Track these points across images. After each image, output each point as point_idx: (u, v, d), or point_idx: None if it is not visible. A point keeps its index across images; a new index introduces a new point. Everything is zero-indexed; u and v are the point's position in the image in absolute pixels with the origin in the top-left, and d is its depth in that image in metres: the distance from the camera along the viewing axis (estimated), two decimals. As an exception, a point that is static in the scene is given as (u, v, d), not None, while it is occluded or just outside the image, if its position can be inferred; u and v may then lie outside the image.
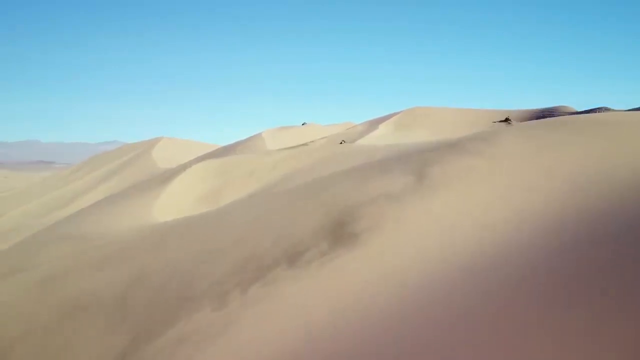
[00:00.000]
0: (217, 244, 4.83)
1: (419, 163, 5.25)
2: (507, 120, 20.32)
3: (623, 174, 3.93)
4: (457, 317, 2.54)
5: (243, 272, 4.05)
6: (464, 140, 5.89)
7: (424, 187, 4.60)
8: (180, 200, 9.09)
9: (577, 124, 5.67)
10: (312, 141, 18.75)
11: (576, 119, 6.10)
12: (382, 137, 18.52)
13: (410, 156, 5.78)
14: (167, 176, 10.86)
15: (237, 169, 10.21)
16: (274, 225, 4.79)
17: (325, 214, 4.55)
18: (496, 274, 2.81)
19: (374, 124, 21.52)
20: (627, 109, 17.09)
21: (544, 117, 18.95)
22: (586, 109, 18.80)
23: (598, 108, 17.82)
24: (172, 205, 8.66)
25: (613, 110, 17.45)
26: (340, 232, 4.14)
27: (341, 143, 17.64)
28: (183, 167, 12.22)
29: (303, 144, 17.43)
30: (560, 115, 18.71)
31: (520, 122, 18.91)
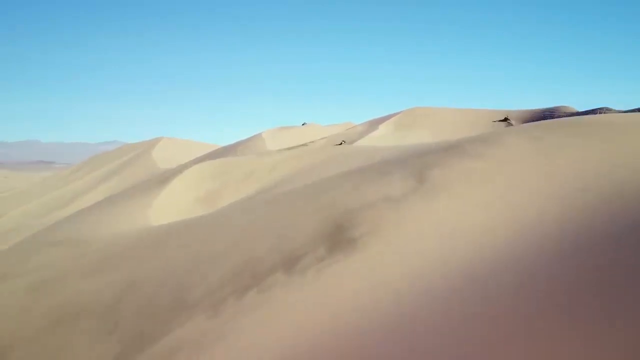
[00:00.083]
0: (213, 248, 4.76)
1: (419, 166, 5.21)
2: (506, 119, 20.30)
3: (624, 176, 3.91)
4: (456, 324, 2.52)
5: (238, 278, 3.97)
6: (464, 142, 5.86)
7: (424, 190, 4.56)
8: (178, 202, 9.05)
9: (579, 126, 5.63)
10: (312, 141, 18.74)
11: (577, 120, 6.07)
12: (382, 138, 18.50)
13: (410, 159, 5.74)
14: (165, 177, 10.83)
15: (236, 170, 10.18)
16: (271, 229, 4.73)
17: (324, 218, 4.49)
18: (495, 280, 2.79)
19: (374, 124, 21.49)
20: (627, 109, 17.07)
21: (544, 117, 18.93)
22: (587, 109, 18.78)
23: (599, 108, 17.80)
24: (169, 207, 8.62)
25: (613, 110, 17.43)
26: (338, 237, 4.08)
27: (341, 143, 17.63)
28: (182, 168, 12.20)
29: (303, 144, 17.41)
30: (561, 115, 18.69)
31: (521, 122, 18.90)
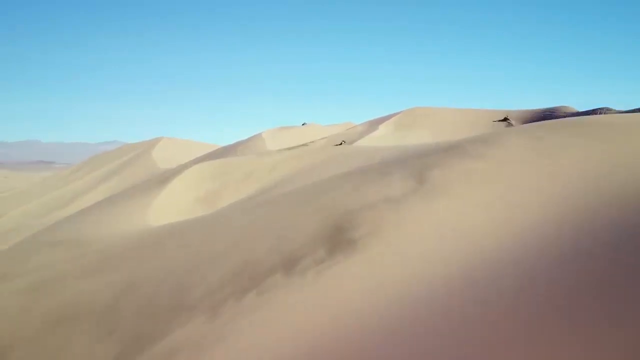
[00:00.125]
0: (212, 249, 4.73)
1: (419, 166, 5.19)
2: (506, 119, 20.29)
3: (624, 178, 3.89)
4: (456, 326, 2.51)
5: (238, 279, 3.95)
6: (464, 142, 5.84)
7: (425, 191, 4.54)
8: (178, 202, 9.03)
9: (580, 126, 5.61)
10: (312, 141, 18.73)
11: (579, 120, 6.05)
12: (382, 138, 18.49)
13: (410, 159, 5.72)
14: (164, 178, 10.81)
15: (236, 170, 10.15)
16: (271, 230, 4.70)
17: (324, 219, 4.46)
18: (496, 282, 2.78)
19: (374, 124, 21.47)
20: (628, 109, 17.06)
21: (544, 117, 18.92)
22: (587, 109, 18.77)
23: (599, 108, 17.79)
24: (169, 207, 8.60)
25: (614, 110, 17.42)
26: (338, 238, 4.05)
27: (341, 143, 17.62)
28: (182, 169, 12.19)
29: (303, 144, 17.40)
30: (561, 115, 18.68)
31: (521, 122, 18.89)
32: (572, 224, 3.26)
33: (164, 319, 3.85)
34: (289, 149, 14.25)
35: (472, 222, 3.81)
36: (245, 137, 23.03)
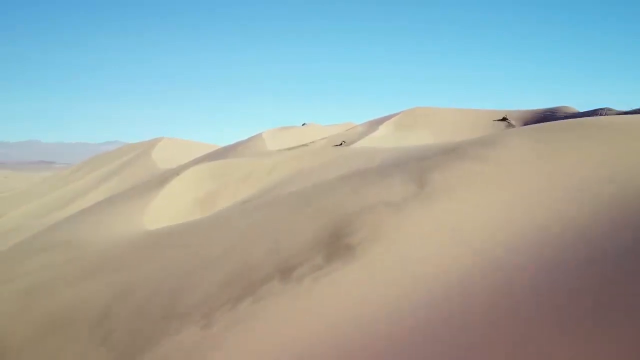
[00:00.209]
0: (207, 255, 4.66)
1: (419, 169, 5.13)
2: (505, 119, 20.26)
3: (625, 181, 3.85)
4: (456, 332, 2.48)
5: (232, 287, 3.87)
6: (465, 144, 5.79)
7: (425, 195, 4.47)
8: (175, 204, 8.98)
9: (582, 128, 5.55)
10: (313, 142, 18.71)
11: (580, 122, 5.99)
12: (383, 138, 18.45)
13: (410, 161, 5.67)
14: (163, 179, 10.78)
15: (235, 172, 10.11)
16: (267, 235, 4.63)
17: (323, 223, 4.39)
18: (497, 288, 2.74)
19: (374, 124, 21.43)
20: (628, 109, 17.01)
21: (545, 117, 18.88)
22: (588, 109, 18.73)
23: (600, 109, 17.74)
24: (167, 209, 8.55)
25: (614, 110, 17.38)
26: (336, 244, 3.98)
27: (341, 144, 17.58)
28: (180, 170, 12.15)
29: (303, 145, 17.38)
30: (562, 115, 18.65)
31: (522, 122, 18.85)
32: (573, 228, 3.23)
33: (156, 327, 3.78)
34: (289, 149, 14.21)
35: (473, 226, 3.76)
36: (245, 137, 22.99)
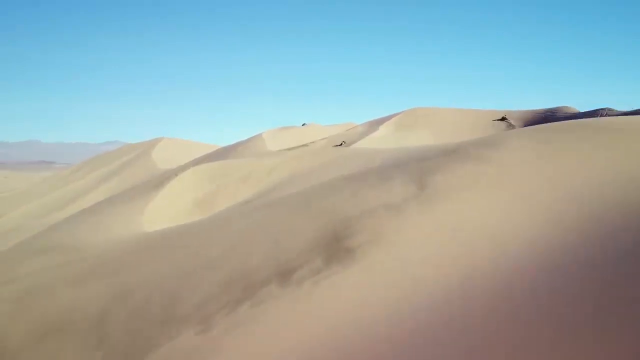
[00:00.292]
0: (205, 258, 4.62)
1: (420, 171, 5.09)
2: (504, 119, 20.24)
3: (627, 184, 3.84)
4: (457, 335, 2.47)
5: (232, 289, 3.84)
6: (466, 145, 5.77)
7: (425, 197, 4.44)
8: (174, 206, 8.94)
9: (584, 130, 5.52)
10: (313, 142, 18.68)
11: (582, 124, 5.96)
12: (383, 138, 18.42)
13: (411, 162, 5.64)
14: (162, 179, 10.75)
15: (234, 172, 10.06)
16: (266, 238, 4.60)
17: (322, 226, 4.36)
18: (497, 291, 2.73)
19: (374, 124, 21.40)
20: (629, 109, 16.98)
21: (546, 117, 18.85)
22: (588, 109, 18.71)
23: (601, 109, 17.72)
24: (165, 211, 8.51)
25: (615, 110, 17.36)
26: (336, 247, 3.96)
27: (341, 144, 17.56)
28: (179, 170, 12.12)
29: (303, 145, 17.35)
30: (562, 115, 18.63)
31: (523, 122, 18.83)
32: (574, 231, 3.22)
33: (153, 332, 3.74)
34: (289, 149, 14.19)
35: (473, 228, 3.74)
36: (245, 138, 22.95)
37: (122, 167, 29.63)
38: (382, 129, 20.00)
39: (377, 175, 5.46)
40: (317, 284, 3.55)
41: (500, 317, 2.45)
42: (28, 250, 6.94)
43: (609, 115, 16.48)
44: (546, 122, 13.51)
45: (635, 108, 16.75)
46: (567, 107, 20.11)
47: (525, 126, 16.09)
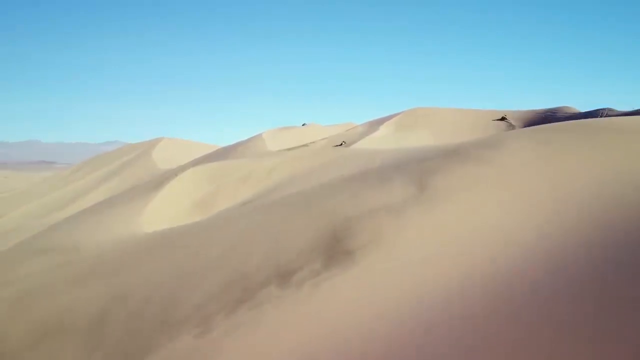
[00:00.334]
0: (204, 259, 4.61)
1: (420, 172, 5.08)
2: (503, 119, 20.23)
3: (627, 185, 3.83)
4: (457, 336, 2.47)
5: (232, 290, 3.83)
6: (466, 146, 5.76)
7: (426, 198, 4.43)
8: (173, 206, 8.93)
9: (584, 131, 5.51)
10: (313, 142, 18.67)
11: (583, 124, 5.96)
12: (383, 138, 18.41)
13: (411, 163, 5.63)
14: (162, 180, 10.73)
15: (234, 173, 10.05)
16: (265, 239, 4.58)
17: (321, 227, 4.34)
18: (498, 293, 2.73)
19: (374, 124, 21.39)
20: (629, 109, 16.98)
21: (546, 118, 18.85)
22: (589, 109, 18.70)
23: (601, 109, 17.71)
24: (164, 211, 8.49)
25: (616, 110, 17.35)
26: (335, 249, 3.95)
27: (341, 144, 17.55)
28: (179, 171, 12.11)
29: (303, 145, 17.35)
30: (563, 115, 18.62)
31: (523, 122, 18.83)
32: (574, 231, 3.21)
33: (151, 334, 3.71)
34: (289, 149, 14.18)
35: (473, 229, 3.74)
36: (245, 138, 22.94)
37: (122, 167, 29.61)
38: (382, 129, 19.99)
39: (377, 176, 5.46)
40: (317, 285, 3.54)
41: (501, 317, 2.45)
42: (28, 250, 6.92)
43: (609, 115, 16.47)
44: (546, 122, 13.51)
45: (635, 108, 16.75)
46: (567, 107, 20.10)
47: (525, 126, 16.10)
